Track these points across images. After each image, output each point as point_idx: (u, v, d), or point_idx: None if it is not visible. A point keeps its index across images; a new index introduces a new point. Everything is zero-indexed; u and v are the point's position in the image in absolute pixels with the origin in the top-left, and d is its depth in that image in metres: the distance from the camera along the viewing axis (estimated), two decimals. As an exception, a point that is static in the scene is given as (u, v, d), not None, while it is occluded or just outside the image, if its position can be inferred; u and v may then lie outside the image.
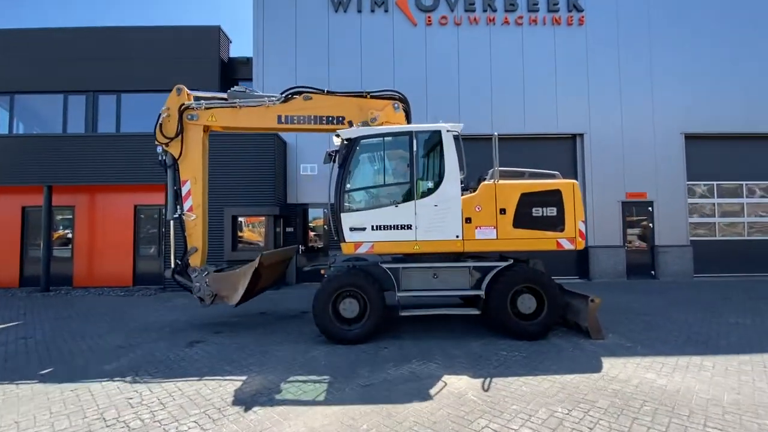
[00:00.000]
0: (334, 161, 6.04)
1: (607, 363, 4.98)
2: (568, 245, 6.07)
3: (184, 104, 6.78)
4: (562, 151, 13.10)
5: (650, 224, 12.83)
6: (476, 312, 6.02)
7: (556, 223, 6.06)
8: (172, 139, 6.78)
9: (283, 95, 6.87)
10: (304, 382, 4.50)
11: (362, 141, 6.07)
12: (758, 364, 4.92)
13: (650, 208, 12.85)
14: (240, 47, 44.18)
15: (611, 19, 13.07)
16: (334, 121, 6.82)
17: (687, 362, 4.97)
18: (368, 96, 6.94)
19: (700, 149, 13.02)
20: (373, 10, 12.81)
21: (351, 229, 5.95)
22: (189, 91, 6.95)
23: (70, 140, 11.89)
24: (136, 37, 13.26)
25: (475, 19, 12.85)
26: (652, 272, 12.74)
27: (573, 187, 6.12)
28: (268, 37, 12.72)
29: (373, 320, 5.86)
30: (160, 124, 6.79)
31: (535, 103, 12.80)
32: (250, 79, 12.56)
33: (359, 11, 12.80)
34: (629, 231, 12.90)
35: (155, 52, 13.13)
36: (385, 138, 6.15)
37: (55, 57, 13.35)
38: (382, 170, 6.15)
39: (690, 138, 12.95)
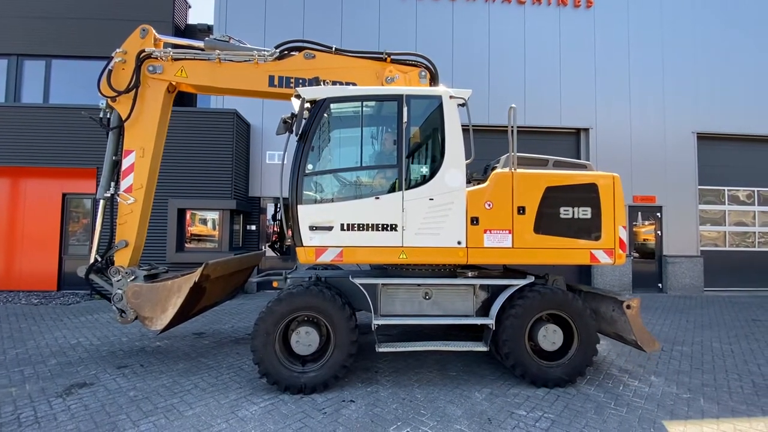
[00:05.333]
0: (291, 131, 4.27)
1: (674, 432, 3.42)
2: (605, 258, 4.51)
3: (145, 50, 5.07)
4: (565, 147, 11.66)
5: (659, 232, 11.53)
6: (483, 349, 4.35)
7: (591, 229, 4.50)
8: (121, 92, 5.06)
9: (278, 50, 5.21)
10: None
11: (332, 105, 4.33)
12: None
13: (659, 214, 11.56)
14: (201, 13, 40.29)
15: (621, 4, 11.75)
16: None
17: (782, 430, 3.49)
18: (389, 59, 5.31)
19: (712, 151, 11.83)
20: (355, -23, 11.11)
21: (311, 228, 4.20)
22: (158, 36, 5.25)
23: (-16, 111, 9.78)
24: (72, -7, 11.13)
25: (472, -7, 11.30)
26: (659, 285, 11.47)
27: (614, 182, 4.57)
28: (233, 2, 10.88)
29: (337, 358, 4.12)
30: (110, 71, 5.12)
31: (536, 92, 11.34)
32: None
33: (339, -24, 11.07)
34: (637, 239, 11.58)
35: (95, 12, 10.98)
36: (364, 103, 4.42)
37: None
38: (358, 147, 4.39)
39: (702, 138, 11.73)
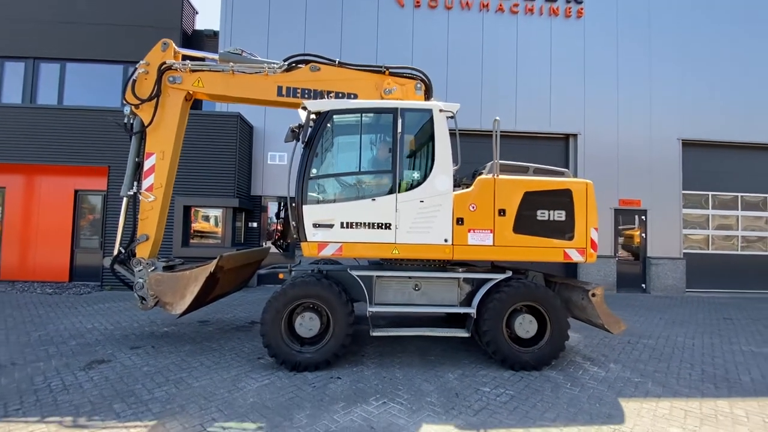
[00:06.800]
0: (298, 139, 4.79)
1: (617, 408, 3.96)
2: (577, 257, 5.02)
3: (165, 63, 5.59)
4: (554, 151, 12.22)
5: (643, 234, 12.08)
6: (465, 334, 4.89)
7: (565, 230, 5.01)
8: (144, 101, 5.58)
9: (286, 63, 5.72)
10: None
11: (334, 116, 4.86)
12: (799, 412, 3.99)
13: (643, 217, 12.10)
14: (208, 19, 40.81)
15: (611, 14, 12.29)
16: (344, 99, 5.67)
17: (713, 409, 4.03)
18: (387, 72, 5.81)
19: (697, 157, 12.37)
20: (357, -14, 11.63)
21: (315, 226, 4.73)
22: (177, 49, 5.79)
23: (3, 111, 10.23)
24: (85, -2, 11.64)
25: (467, 3, 11.81)
26: (643, 285, 12.02)
27: (587, 188, 5.09)
28: (238, 11, 11.36)
29: (332, 346, 4.67)
30: (134, 81, 5.64)
31: (527, 98, 11.88)
32: (216, 54, 11.16)
33: (341, -15, 11.59)
34: (622, 241, 12.12)
35: (108, 17, 11.49)
36: (364, 114, 4.95)
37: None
38: (357, 154, 4.91)
39: (687, 145, 12.28)
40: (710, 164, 12.53)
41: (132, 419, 3.46)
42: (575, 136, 12.04)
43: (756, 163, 12.60)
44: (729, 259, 12.50)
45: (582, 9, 12.13)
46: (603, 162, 11.83)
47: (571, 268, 11.73)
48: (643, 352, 5.83)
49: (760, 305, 10.19)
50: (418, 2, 11.74)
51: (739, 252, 12.57)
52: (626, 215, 12.12)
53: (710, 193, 12.54)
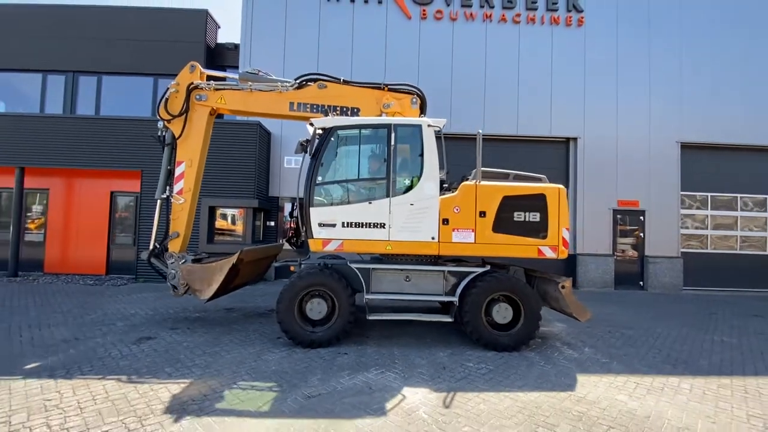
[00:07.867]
0: (306, 151, 5.64)
1: (578, 380, 4.68)
2: (549, 253, 5.72)
3: (193, 83, 6.51)
4: (555, 154, 12.77)
5: (641, 234, 12.55)
6: (449, 320, 5.66)
7: (539, 230, 5.71)
8: (175, 116, 6.52)
9: (297, 81, 6.59)
10: (245, 389, 4.14)
11: (337, 131, 5.69)
12: (739, 388, 4.62)
13: (642, 218, 12.56)
14: (229, 33, 42.72)
15: (611, 21, 12.74)
16: (348, 113, 6.54)
17: (663, 383, 4.68)
18: (386, 88, 6.64)
19: (696, 159, 12.74)
20: (366, 1, 12.40)
21: (320, 225, 5.57)
22: (203, 70, 6.72)
23: (46, 121, 11.39)
24: (119, 17, 12.75)
25: (471, 14, 12.48)
26: (641, 283, 12.48)
27: (559, 192, 5.77)
28: (257, 24, 12.29)
29: (339, 324, 5.51)
30: (166, 99, 6.58)
31: (529, 104, 12.46)
32: (237, 67, 12.13)
33: (352, 1, 12.38)
34: (620, 240, 12.60)
35: (139, 33, 12.64)
36: (362, 130, 5.77)
37: (35, 35, 12.83)
38: (356, 164, 5.74)
39: (685, 147, 12.67)
40: (709, 166, 12.84)
41: (181, 378, 4.39)
42: (575, 139, 12.56)
43: (755, 165, 12.89)
44: (726, 258, 12.78)
45: (583, 17, 12.63)
46: (602, 164, 12.33)
47: (569, 266, 12.27)
48: (619, 340, 6.45)
49: (752, 302, 10.58)
50: (424, 14, 12.46)
51: (737, 251, 12.84)
52: (625, 216, 12.59)
53: (708, 194, 12.88)
